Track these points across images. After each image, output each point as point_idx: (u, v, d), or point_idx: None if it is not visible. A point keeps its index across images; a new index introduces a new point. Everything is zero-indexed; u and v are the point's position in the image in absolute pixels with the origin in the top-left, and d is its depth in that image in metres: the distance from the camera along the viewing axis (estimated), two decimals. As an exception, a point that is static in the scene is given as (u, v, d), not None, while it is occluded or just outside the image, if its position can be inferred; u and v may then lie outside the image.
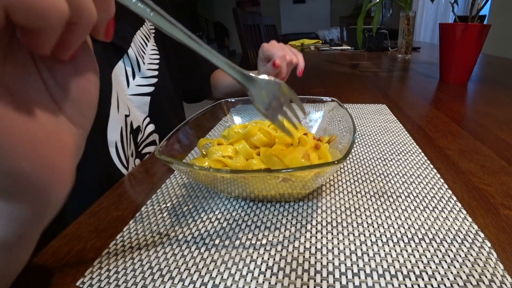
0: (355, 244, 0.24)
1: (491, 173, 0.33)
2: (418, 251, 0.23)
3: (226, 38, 6.67)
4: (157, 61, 0.53)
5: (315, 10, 6.04)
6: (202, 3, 6.58)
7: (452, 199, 0.29)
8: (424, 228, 0.25)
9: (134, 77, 0.48)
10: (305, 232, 0.25)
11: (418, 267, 0.21)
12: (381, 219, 0.26)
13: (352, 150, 0.40)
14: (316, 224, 0.26)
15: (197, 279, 0.21)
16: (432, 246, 0.23)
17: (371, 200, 0.29)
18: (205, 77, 0.71)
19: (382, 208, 0.28)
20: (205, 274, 0.22)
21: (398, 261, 0.22)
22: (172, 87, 0.57)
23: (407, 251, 0.23)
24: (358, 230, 0.25)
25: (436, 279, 0.20)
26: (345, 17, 3.57)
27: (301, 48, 2.00)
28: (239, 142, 0.31)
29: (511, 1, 2.11)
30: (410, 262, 0.22)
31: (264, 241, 0.24)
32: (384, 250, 0.23)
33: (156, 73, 0.51)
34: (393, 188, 0.31)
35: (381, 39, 1.52)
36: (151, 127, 0.50)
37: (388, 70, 1.00)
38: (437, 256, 0.22)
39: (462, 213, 0.26)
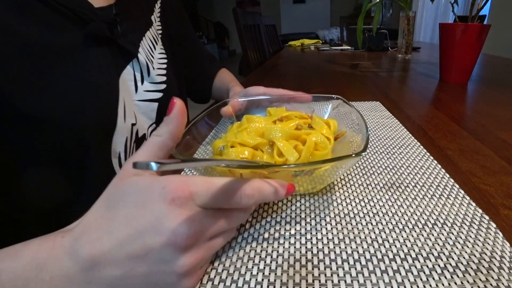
0: (374, 233, 0.25)
1: (491, 173, 0.33)
2: (433, 235, 0.24)
3: (226, 38, 6.67)
4: (165, 66, 0.51)
5: (315, 10, 6.04)
6: (202, 3, 6.59)
7: (455, 186, 0.30)
8: (434, 214, 0.27)
9: (142, 82, 0.46)
10: (326, 224, 0.26)
11: (436, 250, 0.23)
12: (394, 208, 0.28)
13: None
14: (335, 216, 0.27)
15: (207, 281, 0.21)
16: (445, 230, 0.25)
17: (382, 192, 0.30)
18: (209, 77, 0.71)
19: (393, 198, 0.29)
20: (215, 276, 0.22)
21: (417, 245, 0.23)
22: (178, 92, 0.56)
23: (422, 235, 0.24)
24: (375, 219, 0.26)
25: (453, 259, 0.22)
26: (345, 17, 3.57)
27: (301, 48, 2.00)
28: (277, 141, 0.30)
29: (511, 1, 2.11)
30: (428, 245, 0.23)
31: (287, 234, 0.25)
32: (402, 236, 0.24)
33: (164, 78, 0.50)
34: (400, 180, 0.32)
35: (381, 39, 1.52)
36: None
37: (388, 70, 1.00)
38: (451, 239, 0.24)
39: (466, 199, 0.28)
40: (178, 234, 0.18)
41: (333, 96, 0.40)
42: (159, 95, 0.48)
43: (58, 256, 0.19)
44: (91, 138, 0.36)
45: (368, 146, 0.40)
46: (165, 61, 0.52)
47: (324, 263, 0.22)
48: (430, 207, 0.27)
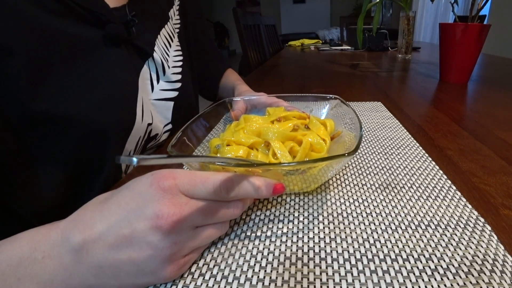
0: (366, 233, 0.25)
1: (491, 173, 0.33)
2: (425, 236, 0.24)
3: (226, 38, 6.67)
4: (180, 63, 0.51)
5: (315, 10, 6.04)
6: (202, 3, 6.58)
7: (452, 188, 0.30)
8: (428, 215, 0.26)
9: (158, 81, 0.46)
10: (318, 223, 0.26)
11: (427, 251, 0.22)
12: (388, 208, 0.28)
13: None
14: (328, 216, 0.27)
15: (198, 276, 0.21)
16: (438, 232, 0.24)
17: (377, 192, 0.30)
18: (219, 75, 0.71)
19: (388, 198, 0.29)
20: (206, 271, 0.22)
21: (408, 246, 0.23)
22: (192, 90, 0.56)
23: (415, 237, 0.24)
24: (368, 220, 0.26)
25: (444, 261, 0.21)
26: (345, 17, 3.57)
27: (301, 48, 2.00)
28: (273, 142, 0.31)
29: (511, 1, 2.11)
30: (420, 246, 0.23)
31: (279, 233, 0.25)
32: (394, 237, 0.24)
33: (179, 77, 0.50)
34: (396, 180, 0.32)
35: (381, 39, 1.52)
36: (167, 135, 0.48)
37: (388, 70, 1.00)
38: (443, 241, 0.23)
39: (462, 200, 0.28)
40: (159, 214, 0.19)
41: (331, 96, 0.41)
42: (175, 94, 0.48)
43: (52, 237, 0.20)
44: (112, 137, 0.36)
45: (366, 146, 0.41)
46: (181, 58, 0.52)
47: (314, 262, 0.22)
48: (424, 208, 0.27)
